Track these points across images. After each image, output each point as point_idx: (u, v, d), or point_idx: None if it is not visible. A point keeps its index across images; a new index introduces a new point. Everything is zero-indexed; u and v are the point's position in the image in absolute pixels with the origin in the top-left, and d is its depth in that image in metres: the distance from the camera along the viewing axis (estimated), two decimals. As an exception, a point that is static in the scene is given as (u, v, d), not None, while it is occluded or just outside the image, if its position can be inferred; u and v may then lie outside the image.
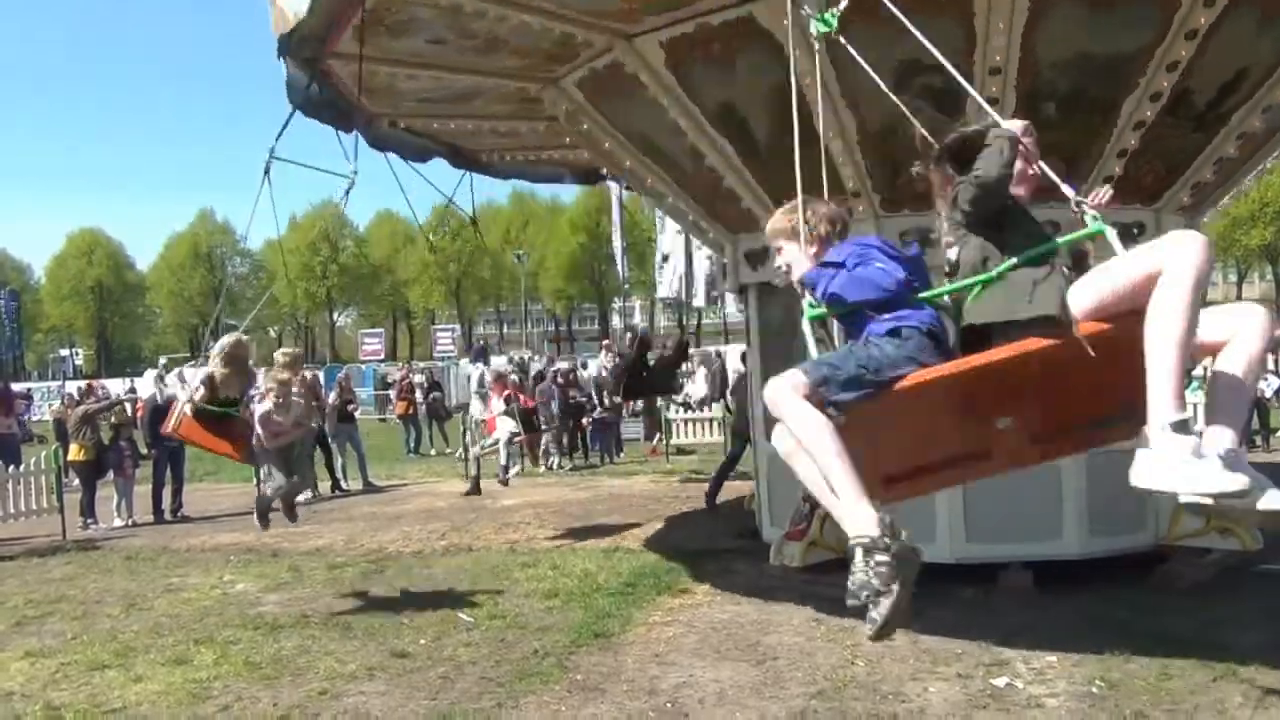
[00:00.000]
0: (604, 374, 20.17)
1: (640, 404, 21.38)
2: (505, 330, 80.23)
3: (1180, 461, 2.76)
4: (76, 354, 74.50)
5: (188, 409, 7.52)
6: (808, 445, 2.91)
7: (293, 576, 8.95)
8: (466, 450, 14.95)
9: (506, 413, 12.48)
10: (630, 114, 8.11)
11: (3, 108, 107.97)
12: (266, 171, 7.80)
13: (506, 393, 12.95)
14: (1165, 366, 2.80)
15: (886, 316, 3.09)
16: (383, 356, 58.05)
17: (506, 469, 12.37)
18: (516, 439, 12.69)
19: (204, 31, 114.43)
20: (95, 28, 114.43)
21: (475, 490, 13.07)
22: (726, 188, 8.06)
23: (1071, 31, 6.37)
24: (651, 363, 12.85)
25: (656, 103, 7.56)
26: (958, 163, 3.35)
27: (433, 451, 21.25)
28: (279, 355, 8.53)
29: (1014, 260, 3.09)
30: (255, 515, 8.20)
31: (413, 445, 21.38)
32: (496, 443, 12.48)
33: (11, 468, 12.37)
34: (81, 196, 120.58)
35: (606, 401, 18.62)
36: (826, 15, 3.69)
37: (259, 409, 7.80)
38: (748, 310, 9.26)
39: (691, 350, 17.81)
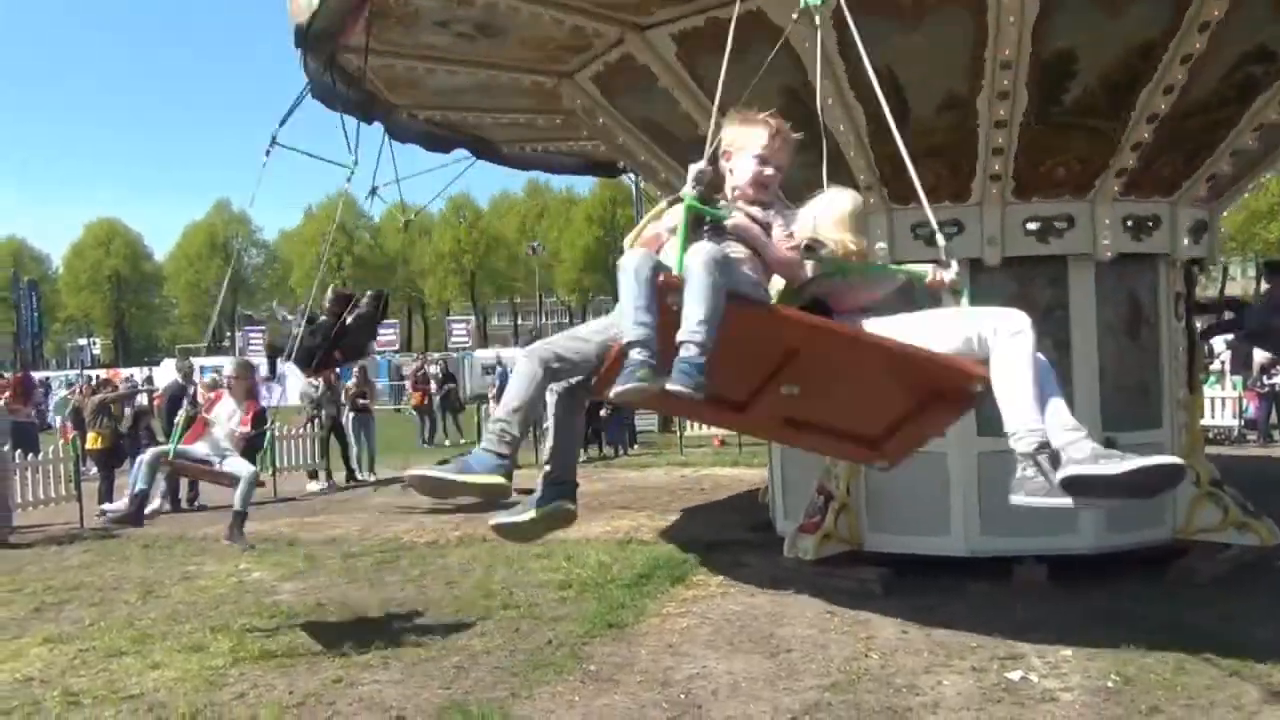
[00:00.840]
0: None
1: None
2: (519, 322, 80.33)
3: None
4: (94, 344, 75.01)
5: None
6: None
7: (308, 565, 8.99)
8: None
9: None
10: (644, 105, 8.09)
11: (22, 99, 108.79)
12: (268, 153, 7.67)
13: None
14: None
15: None
16: (398, 348, 58.24)
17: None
18: None
19: (221, 21, 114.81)
20: (112, 18, 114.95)
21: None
22: None
23: (1083, 24, 6.32)
24: (350, 323, 9.87)
25: (668, 94, 7.54)
26: None
27: (446, 442, 21.29)
28: None
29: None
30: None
31: (427, 436, 21.43)
32: None
33: (30, 456, 12.46)
34: (100, 187, 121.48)
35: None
36: None
37: None
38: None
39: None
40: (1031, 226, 7.19)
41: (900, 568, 7.32)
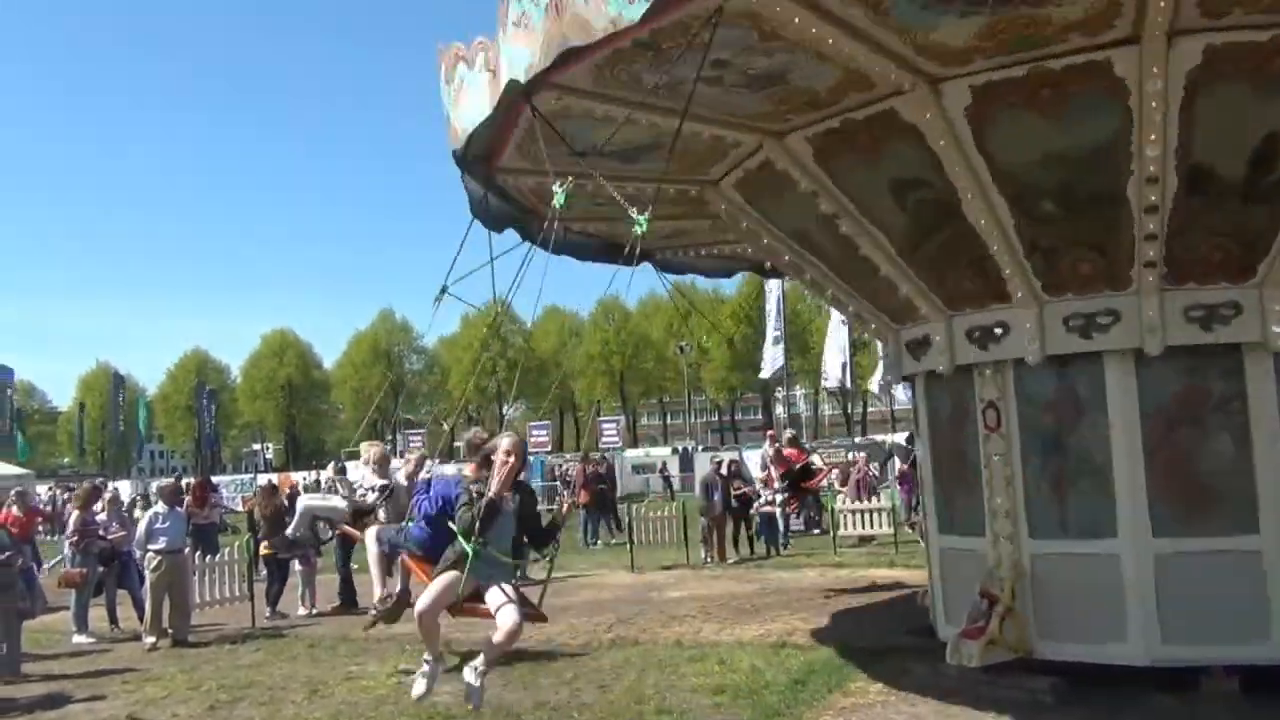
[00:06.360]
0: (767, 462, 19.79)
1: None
2: (669, 421, 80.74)
3: None
4: (267, 449, 79.07)
5: None
6: None
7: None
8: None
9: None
10: (784, 207, 8.23)
11: (207, 220, 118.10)
12: (437, 300, 7.81)
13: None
14: None
15: None
16: (550, 448, 59.24)
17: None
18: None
19: (388, 142, 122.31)
20: (286, 146, 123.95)
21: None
22: (884, 277, 8.01)
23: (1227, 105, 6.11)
24: None
25: (808, 196, 7.68)
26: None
27: (598, 543, 21.38)
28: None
29: None
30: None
31: (591, 536, 21.53)
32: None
33: (209, 557, 13.10)
34: (275, 298, 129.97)
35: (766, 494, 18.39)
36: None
37: None
38: (915, 399, 9.06)
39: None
40: (1195, 314, 6.87)
41: (1073, 677, 6.90)
